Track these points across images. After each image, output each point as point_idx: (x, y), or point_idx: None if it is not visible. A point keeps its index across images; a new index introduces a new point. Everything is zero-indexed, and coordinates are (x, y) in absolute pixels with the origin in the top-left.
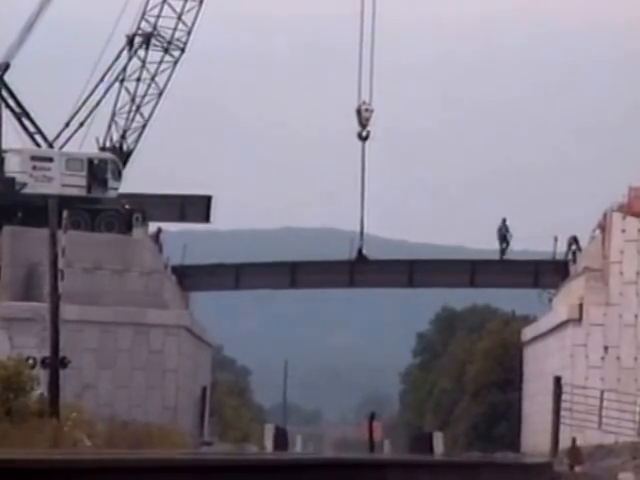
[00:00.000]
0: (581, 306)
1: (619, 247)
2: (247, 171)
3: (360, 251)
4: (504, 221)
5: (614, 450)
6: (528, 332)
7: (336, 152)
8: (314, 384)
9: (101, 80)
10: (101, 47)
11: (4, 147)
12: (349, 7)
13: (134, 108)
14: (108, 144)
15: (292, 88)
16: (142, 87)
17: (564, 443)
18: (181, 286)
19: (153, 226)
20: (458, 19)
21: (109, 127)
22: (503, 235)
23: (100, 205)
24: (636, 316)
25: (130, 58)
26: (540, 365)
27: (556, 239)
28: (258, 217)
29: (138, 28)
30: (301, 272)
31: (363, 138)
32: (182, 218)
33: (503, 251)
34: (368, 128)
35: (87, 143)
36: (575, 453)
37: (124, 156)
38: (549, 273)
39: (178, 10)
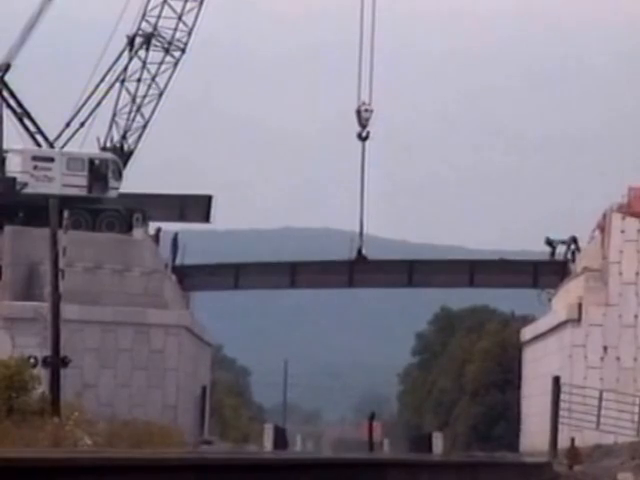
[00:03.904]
0: (580, 306)
1: (618, 247)
2: (247, 171)
3: (360, 251)
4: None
5: (613, 450)
6: (527, 332)
7: (336, 152)
8: (314, 384)
9: (102, 80)
10: (102, 47)
11: (5, 147)
12: (349, 7)
13: (135, 108)
14: (109, 144)
15: (292, 88)
16: (143, 87)
17: (563, 443)
18: (181, 286)
19: (153, 226)
20: (459, 14)
21: (110, 127)
22: (550, 241)
23: (101, 205)
24: (635, 316)
25: (131, 58)
26: (539, 365)
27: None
28: (258, 217)
29: (139, 29)
30: (301, 272)
31: (363, 138)
32: (182, 218)
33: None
34: (368, 128)
35: (88, 143)
36: (574, 453)
37: (125, 156)
38: (548, 273)
39: (178, 11)
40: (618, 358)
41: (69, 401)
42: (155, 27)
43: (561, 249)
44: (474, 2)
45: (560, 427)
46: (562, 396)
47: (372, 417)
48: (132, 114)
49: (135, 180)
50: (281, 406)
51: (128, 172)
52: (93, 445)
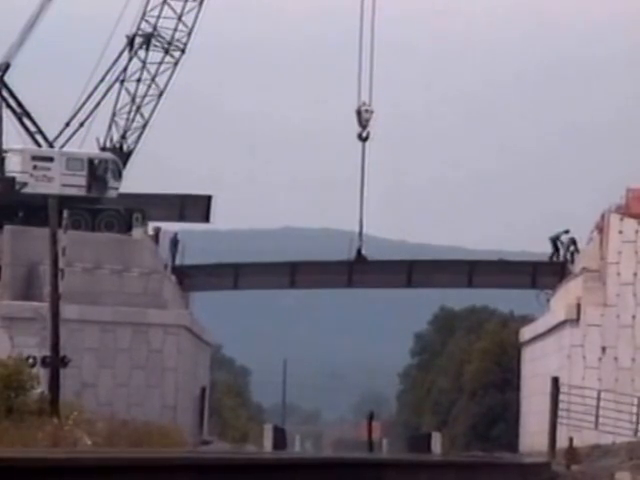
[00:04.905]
0: (579, 307)
1: (617, 248)
2: (247, 171)
3: (359, 251)
4: (566, 232)
5: (611, 450)
6: (526, 332)
7: (336, 152)
8: (313, 384)
9: (101, 80)
10: (102, 47)
11: (5, 147)
12: (349, 9)
13: (134, 108)
14: (108, 144)
15: (292, 88)
16: (142, 88)
17: (561, 443)
18: (181, 286)
19: (153, 226)
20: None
21: (109, 127)
22: (555, 237)
23: (100, 205)
24: (633, 317)
25: (130, 59)
26: (538, 365)
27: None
28: (258, 217)
29: (138, 29)
30: (300, 272)
31: (363, 139)
32: (182, 218)
33: (552, 256)
34: (368, 129)
35: (87, 143)
36: (572, 453)
37: (124, 156)
38: (547, 274)
39: (178, 11)
40: (616, 358)
41: (68, 401)
42: (155, 27)
43: (565, 239)
44: (474, 3)
45: (559, 427)
46: (561, 396)
47: (371, 417)
48: (132, 114)
49: (135, 180)
50: (280, 406)
51: (128, 172)
52: (92, 445)
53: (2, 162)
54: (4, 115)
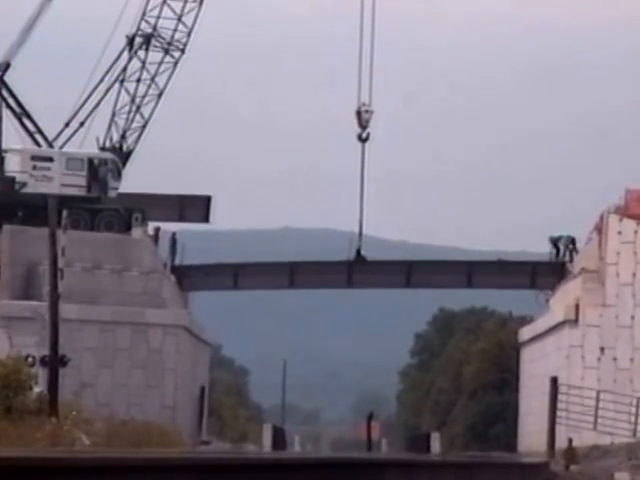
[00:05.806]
0: (577, 307)
1: (615, 249)
2: (247, 171)
3: (359, 252)
4: (568, 238)
5: (610, 451)
6: (525, 333)
7: (336, 152)
8: (312, 384)
9: (101, 80)
10: (101, 47)
11: (4, 147)
12: (349, 9)
13: (134, 108)
14: (108, 144)
15: (292, 88)
16: (142, 88)
17: (560, 443)
18: (180, 286)
19: (153, 226)
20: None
21: (109, 127)
22: (555, 239)
23: (100, 205)
24: (632, 317)
25: (130, 59)
26: (537, 366)
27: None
28: (257, 217)
29: (138, 29)
30: (300, 272)
31: (363, 139)
32: (181, 218)
33: (556, 255)
34: (368, 129)
35: (87, 143)
36: (571, 453)
37: (124, 156)
38: (546, 274)
39: (178, 11)
40: (615, 359)
41: (67, 400)
42: (155, 27)
43: (566, 241)
44: (474, 3)
45: (557, 427)
46: (559, 396)
47: (370, 417)
48: (131, 114)
49: (134, 180)
50: (280, 406)
51: (127, 172)
52: (91, 445)
53: (2, 162)
54: (4, 115)
